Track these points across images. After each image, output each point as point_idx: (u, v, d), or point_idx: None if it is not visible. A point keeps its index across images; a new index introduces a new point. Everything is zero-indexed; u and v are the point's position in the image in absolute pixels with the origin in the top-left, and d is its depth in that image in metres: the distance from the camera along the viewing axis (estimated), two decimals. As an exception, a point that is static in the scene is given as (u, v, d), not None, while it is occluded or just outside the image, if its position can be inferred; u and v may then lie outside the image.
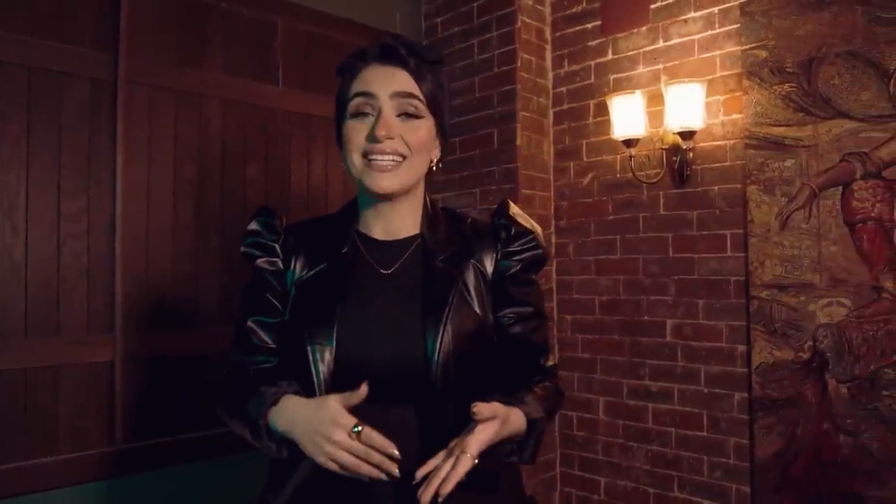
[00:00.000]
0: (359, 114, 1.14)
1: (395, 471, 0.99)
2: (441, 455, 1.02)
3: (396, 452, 1.00)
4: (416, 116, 1.15)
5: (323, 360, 1.09)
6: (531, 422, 1.13)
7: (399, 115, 1.14)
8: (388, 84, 1.13)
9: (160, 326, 2.39)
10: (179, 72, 2.46)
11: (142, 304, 2.34)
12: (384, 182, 1.13)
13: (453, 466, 0.98)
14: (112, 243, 2.28)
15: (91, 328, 2.24)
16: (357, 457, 0.99)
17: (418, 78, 1.14)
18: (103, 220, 2.27)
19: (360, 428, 1.00)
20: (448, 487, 0.97)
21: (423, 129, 1.15)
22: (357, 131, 1.14)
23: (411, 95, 1.14)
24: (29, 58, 2.12)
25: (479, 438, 1.01)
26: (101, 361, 2.25)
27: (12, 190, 2.09)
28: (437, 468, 1.00)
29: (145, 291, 2.35)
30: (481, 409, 1.01)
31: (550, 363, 1.29)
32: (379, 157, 1.12)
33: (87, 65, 2.24)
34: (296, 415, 1.05)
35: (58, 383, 2.16)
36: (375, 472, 1.00)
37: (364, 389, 1.02)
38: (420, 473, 1.01)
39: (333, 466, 1.00)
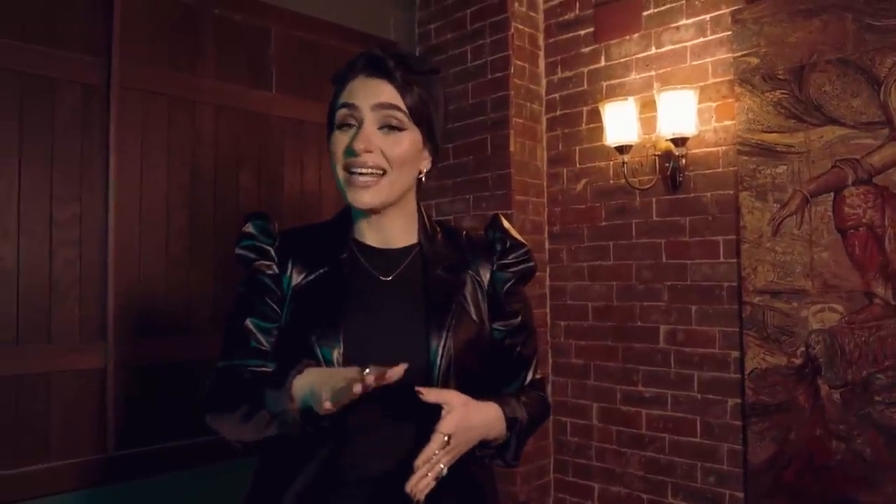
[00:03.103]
0: (343, 125, 1.14)
1: (399, 369, 0.94)
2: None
3: (401, 371, 0.94)
4: (399, 129, 1.14)
5: (332, 361, 1.09)
6: (511, 420, 1.15)
7: (381, 128, 1.13)
8: (370, 96, 1.12)
9: (152, 333, 2.38)
10: (172, 77, 2.46)
11: (134, 311, 2.33)
12: (365, 198, 1.14)
13: (426, 447, 1.01)
14: (104, 250, 2.27)
15: (83, 335, 2.23)
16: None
17: (404, 91, 1.13)
18: (96, 226, 2.26)
19: (368, 370, 0.94)
20: (427, 472, 1.00)
21: (406, 142, 1.15)
22: (339, 143, 1.14)
23: (393, 107, 1.13)
24: (21, 63, 2.11)
25: (447, 420, 1.03)
26: (92, 368, 2.24)
27: (3, 197, 2.08)
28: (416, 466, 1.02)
29: (138, 298, 2.34)
30: (425, 391, 1.04)
31: (538, 376, 1.31)
32: (359, 170, 1.12)
33: (79, 70, 2.24)
34: (319, 371, 1.03)
35: (49, 390, 2.15)
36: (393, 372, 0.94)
37: (402, 370, 0.95)
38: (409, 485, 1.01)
39: (356, 389, 0.91)
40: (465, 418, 1.06)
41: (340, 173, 1.15)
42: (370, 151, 1.11)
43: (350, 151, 1.11)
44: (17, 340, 2.09)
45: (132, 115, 2.35)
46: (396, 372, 0.94)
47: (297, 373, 1.03)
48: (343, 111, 1.14)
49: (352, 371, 0.94)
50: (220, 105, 2.58)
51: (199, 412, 1.17)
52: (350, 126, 1.14)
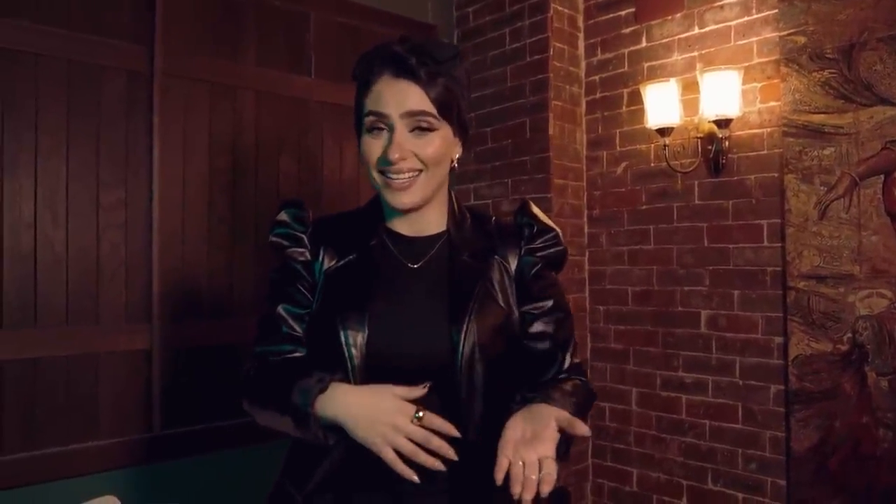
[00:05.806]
0: (373, 129, 1.15)
1: (453, 453, 1.00)
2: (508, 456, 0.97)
3: (456, 432, 1.01)
4: (430, 130, 1.14)
5: (356, 346, 1.10)
6: None
7: (412, 130, 1.14)
8: (399, 103, 1.12)
9: (196, 316, 2.43)
10: (214, 64, 2.49)
11: (178, 294, 2.38)
12: (404, 199, 1.15)
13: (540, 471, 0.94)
14: (149, 234, 2.32)
15: (129, 317, 2.29)
16: (416, 443, 1.00)
17: (429, 88, 1.13)
18: (140, 210, 2.31)
19: (421, 414, 1.01)
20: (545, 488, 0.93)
21: (437, 141, 1.15)
22: (372, 147, 1.15)
23: (423, 113, 1.13)
24: (67, 51, 2.16)
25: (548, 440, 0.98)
26: (138, 350, 2.30)
27: (53, 182, 2.14)
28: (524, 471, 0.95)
29: (181, 281, 2.39)
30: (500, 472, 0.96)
31: (576, 360, 1.26)
32: (395, 175, 1.13)
33: (123, 58, 2.28)
34: (350, 400, 1.05)
35: (98, 371, 2.22)
36: (431, 461, 1.00)
37: (425, 390, 1.04)
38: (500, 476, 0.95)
39: (390, 455, 1.01)
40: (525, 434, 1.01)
41: (377, 176, 1.16)
42: (405, 159, 1.12)
43: (385, 161, 1.12)
44: (66, 322, 2.15)
45: (175, 101, 2.39)
46: (443, 425, 1.02)
47: (319, 391, 1.05)
48: (372, 118, 1.14)
49: (396, 402, 1.03)
50: (261, 91, 2.61)
51: (238, 396, 1.21)
52: (380, 130, 1.14)
